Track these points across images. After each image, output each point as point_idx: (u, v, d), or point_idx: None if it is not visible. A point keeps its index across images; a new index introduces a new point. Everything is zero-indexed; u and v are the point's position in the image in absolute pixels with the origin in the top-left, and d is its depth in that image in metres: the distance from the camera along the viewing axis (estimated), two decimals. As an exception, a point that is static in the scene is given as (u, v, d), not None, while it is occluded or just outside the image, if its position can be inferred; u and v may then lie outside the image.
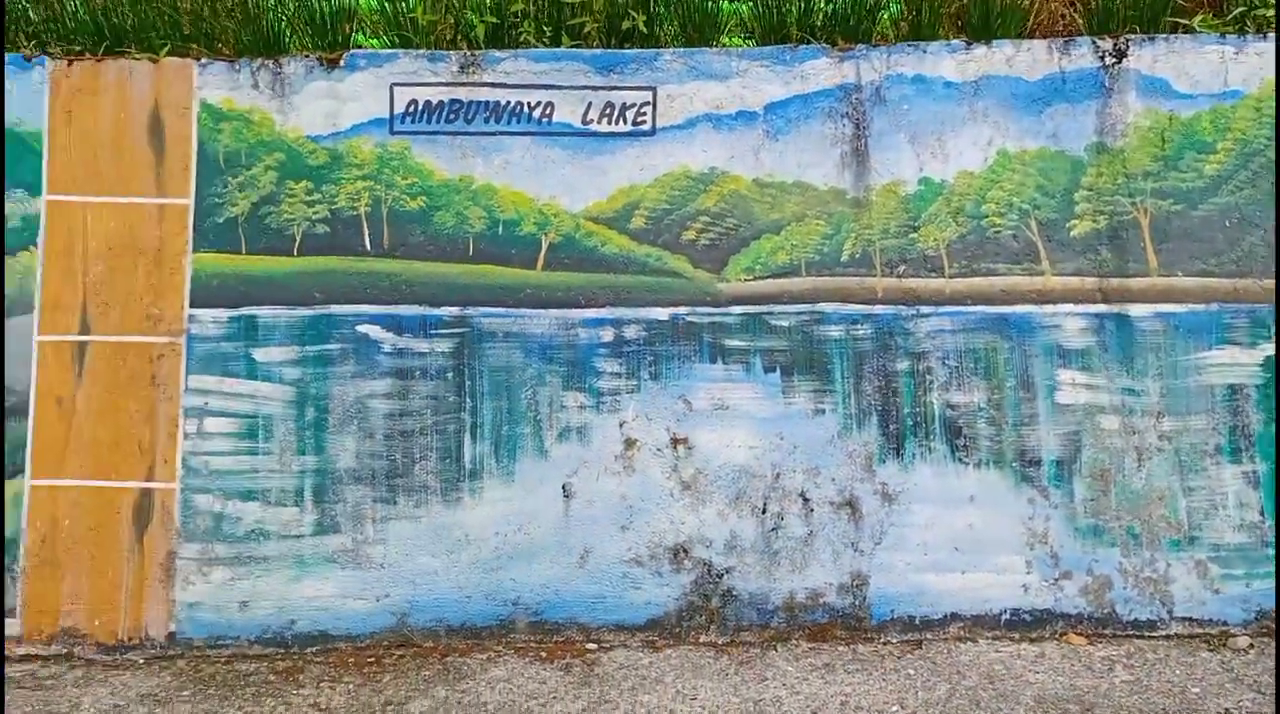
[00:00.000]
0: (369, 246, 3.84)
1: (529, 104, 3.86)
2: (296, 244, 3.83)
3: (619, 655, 3.65)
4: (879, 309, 3.87)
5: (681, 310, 3.85)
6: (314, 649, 3.70)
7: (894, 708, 3.22)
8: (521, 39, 4.07)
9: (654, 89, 3.86)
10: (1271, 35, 3.93)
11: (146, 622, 3.69)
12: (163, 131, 3.82)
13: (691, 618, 3.75)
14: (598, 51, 3.89)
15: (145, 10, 4.03)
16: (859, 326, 3.87)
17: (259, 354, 3.79)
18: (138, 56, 3.89)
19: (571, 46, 3.98)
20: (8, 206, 3.78)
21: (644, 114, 3.85)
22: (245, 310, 3.80)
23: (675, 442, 3.81)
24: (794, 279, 3.87)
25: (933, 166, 3.91)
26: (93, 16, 4.00)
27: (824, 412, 3.84)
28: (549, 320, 3.85)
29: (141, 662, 3.67)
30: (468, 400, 3.82)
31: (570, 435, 3.82)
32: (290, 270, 3.82)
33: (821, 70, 3.91)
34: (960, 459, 3.82)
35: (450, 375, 3.83)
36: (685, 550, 3.77)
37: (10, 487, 3.72)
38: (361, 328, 3.82)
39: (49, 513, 3.70)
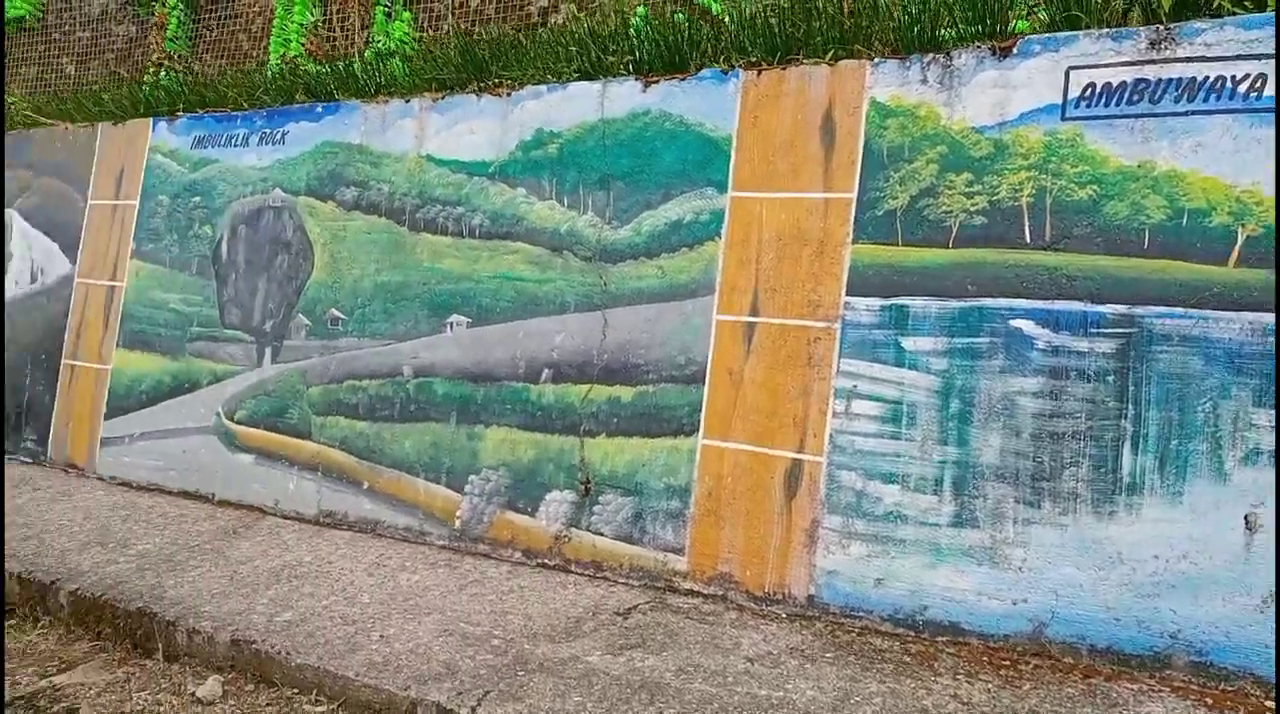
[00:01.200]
0: (1028, 238, 3.71)
1: (1233, 78, 3.38)
2: (951, 236, 3.85)
3: (1312, 724, 3.09)
4: None
5: None
6: (944, 639, 3.73)
7: None
8: (1216, 6, 3.59)
9: None
10: None
11: (789, 580, 4.04)
12: (833, 130, 4.09)
13: None
14: (1337, 8, 3.27)
15: (813, 18, 4.35)
16: None
17: (907, 343, 3.90)
18: (810, 62, 4.21)
19: (1283, 7, 3.41)
20: (699, 202, 4.38)
21: (1399, 78, 3.15)
22: (897, 300, 3.92)
23: None
24: None
25: None
26: (768, 29, 4.42)
27: None
28: (1240, 325, 3.36)
29: (784, 616, 4.02)
30: (1129, 407, 3.51)
31: (1259, 458, 3.31)
32: (944, 262, 3.85)
33: None
34: None
35: (1111, 378, 3.55)
36: None
37: (684, 443, 4.32)
38: (1014, 322, 3.71)
39: (715, 470, 4.23)
